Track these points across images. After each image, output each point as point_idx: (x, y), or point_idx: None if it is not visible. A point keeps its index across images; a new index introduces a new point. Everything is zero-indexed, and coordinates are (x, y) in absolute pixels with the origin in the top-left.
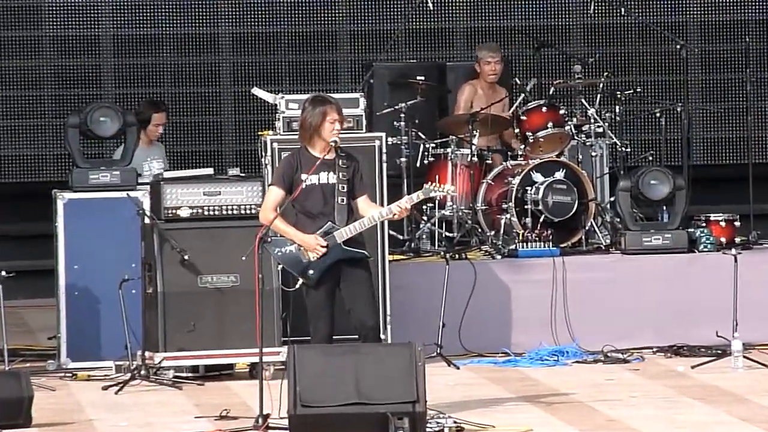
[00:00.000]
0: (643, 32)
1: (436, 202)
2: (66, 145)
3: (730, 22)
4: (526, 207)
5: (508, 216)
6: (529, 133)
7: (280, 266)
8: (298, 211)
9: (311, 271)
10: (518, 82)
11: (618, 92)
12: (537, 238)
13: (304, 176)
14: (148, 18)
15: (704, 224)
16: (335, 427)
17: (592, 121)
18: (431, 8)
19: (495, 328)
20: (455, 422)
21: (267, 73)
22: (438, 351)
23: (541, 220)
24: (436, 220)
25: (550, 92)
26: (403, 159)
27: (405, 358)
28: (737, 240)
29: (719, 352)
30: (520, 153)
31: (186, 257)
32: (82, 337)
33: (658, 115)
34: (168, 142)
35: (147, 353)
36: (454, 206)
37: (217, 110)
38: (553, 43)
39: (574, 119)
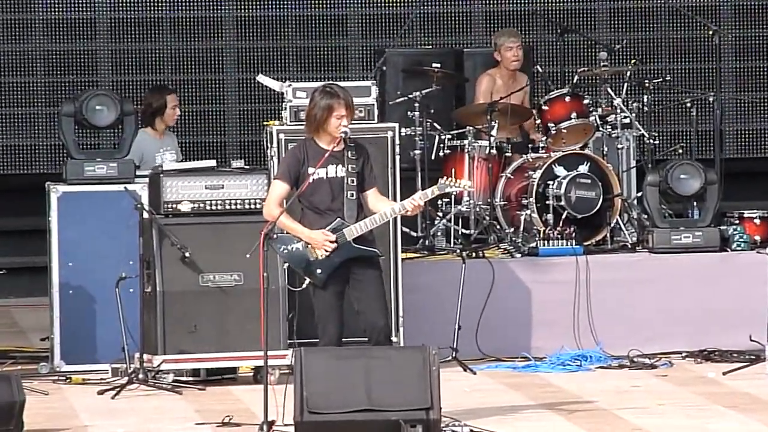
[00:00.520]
0: (673, 17)
1: (452, 197)
2: (60, 135)
3: (766, 7)
4: (547, 202)
5: (528, 212)
6: (551, 124)
7: (285, 265)
8: (304, 206)
9: (319, 270)
10: (540, 70)
11: (646, 81)
12: (559, 236)
13: (311, 170)
14: (147, 0)
15: (737, 221)
16: None
17: (619, 111)
18: None
19: (514, 331)
20: (471, 430)
21: (273, 59)
22: (453, 355)
23: (563, 216)
24: (452, 217)
25: (574, 81)
26: (417, 151)
27: (418, 362)
28: None
29: (753, 357)
30: (541, 145)
31: (187, 254)
32: (77, 338)
33: (688, 105)
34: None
35: (145, 356)
36: (471, 201)
37: (220, 99)
38: (577, 29)
39: (600, 109)
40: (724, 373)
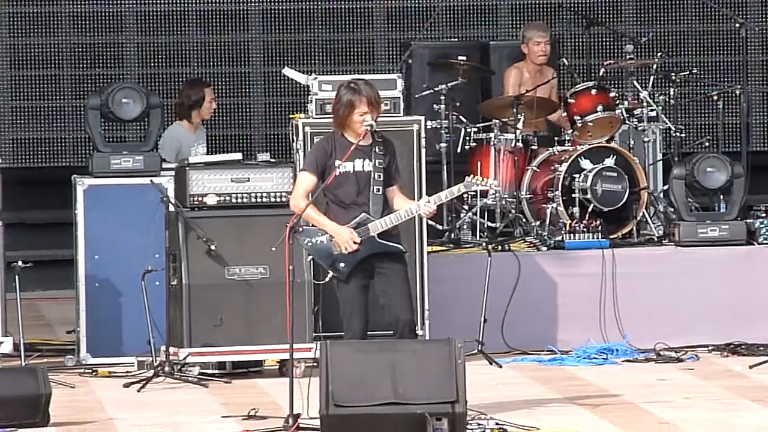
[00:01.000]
0: (699, 9)
1: (478, 190)
2: (86, 128)
3: None
4: (573, 196)
5: (554, 205)
6: (577, 117)
7: (309, 257)
8: (329, 200)
9: (342, 264)
10: (566, 62)
11: (672, 74)
12: (585, 229)
13: (338, 162)
14: None
15: (764, 214)
16: (370, 428)
17: (645, 104)
18: None
19: (540, 324)
20: (497, 424)
21: (299, 52)
22: (479, 348)
23: (589, 209)
24: (478, 210)
25: (600, 73)
26: (443, 144)
27: (444, 355)
28: None
29: None
30: (567, 138)
31: (212, 247)
32: (103, 331)
33: (715, 98)
34: None
35: (171, 349)
36: (497, 195)
37: (246, 91)
38: (603, 21)
39: (626, 102)
40: (750, 367)
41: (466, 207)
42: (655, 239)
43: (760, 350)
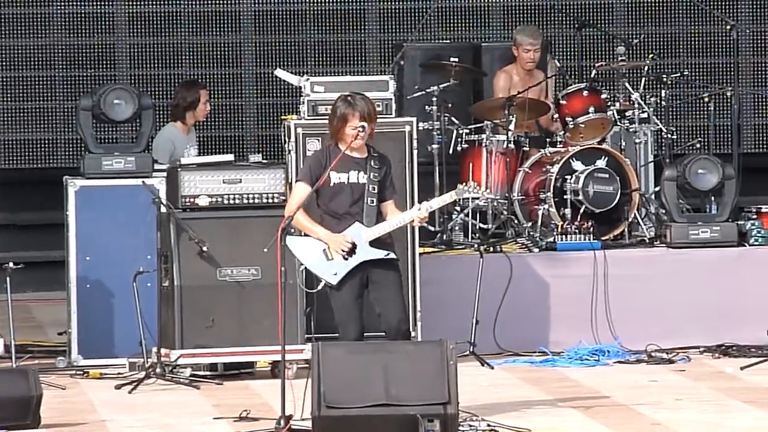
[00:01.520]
0: (691, 11)
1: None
2: (78, 130)
3: None
4: (565, 197)
5: (546, 206)
6: (569, 119)
7: (302, 267)
8: (323, 211)
9: (335, 272)
10: (558, 64)
11: (664, 75)
12: (577, 230)
13: (332, 174)
14: None
15: (755, 216)
16: (362, 430)
17: (636, 106)
18: None
19: (531, 326)
20: (489, 425)
21: (291, 53)
22: (471, 349)
23: (581, 211)
24: (470, 211)
25: (592, 75)
26: (435, 146)
27: (436, 356)
28: None
29: None
30: (559, 140)
31: (204, 249)
32: (94, 332)
33: (706, 99)
34: None
35: (163, 350)
36: (489, 196)
37: (238, 92)
38: (595, 23)
39: (617, 104)
40: (741, 368)
41: (458, 208)
42: (647, 241)
43: (752, 351)
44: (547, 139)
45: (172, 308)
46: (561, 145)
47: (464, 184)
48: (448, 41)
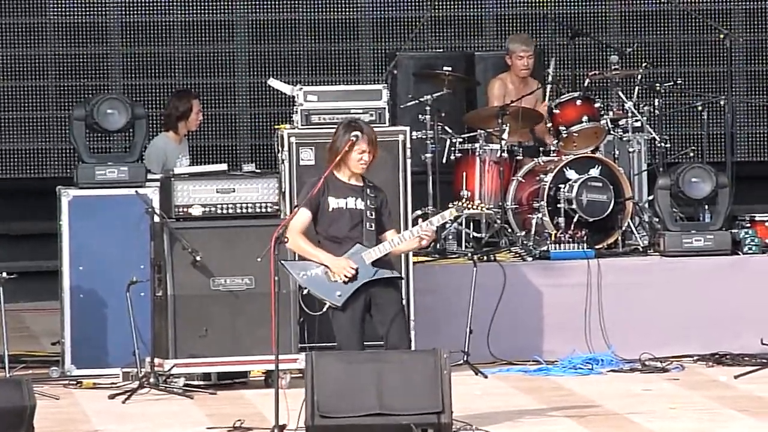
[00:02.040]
0: (684, 20)
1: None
2: (71, 139)
3: None
4: (559, 206)
5: (539, 215)
6: (562, 128)
7: (305, 290)
8: (321, 237)
9: (338, 293)
10: (551, 73)
11: (657, 84)
12: (570, 239)
13: (331, 200)
14: (159, 4)
15: (749, 225)
16: None
17: (630, 114)
18: None
19: (525, 335)
20: None
21: (284, 62)
22: (465, 358)
23: (574, 219)
24: (463, 220)
25: (585, 84)
26: (428, 155)
27: (430, 365)
28: None
29: (764, 361)
30: (552, 148)
31: (198, 258)
32: (88, 342)
33: (699, 108)
34: None
35: (156, 360)
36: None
37: (231, 102)
38: (588, 32)
39: (611, 113)
40: (735, 377)
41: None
42: (641, 249)
43: (746, 360)
44: (541, 148)
45: (165, 318)
46: (554, 154)
47: (463, 200)
48: (441, 50)
